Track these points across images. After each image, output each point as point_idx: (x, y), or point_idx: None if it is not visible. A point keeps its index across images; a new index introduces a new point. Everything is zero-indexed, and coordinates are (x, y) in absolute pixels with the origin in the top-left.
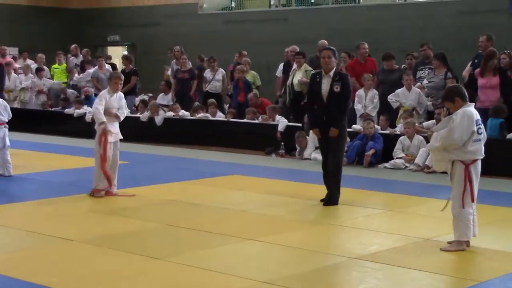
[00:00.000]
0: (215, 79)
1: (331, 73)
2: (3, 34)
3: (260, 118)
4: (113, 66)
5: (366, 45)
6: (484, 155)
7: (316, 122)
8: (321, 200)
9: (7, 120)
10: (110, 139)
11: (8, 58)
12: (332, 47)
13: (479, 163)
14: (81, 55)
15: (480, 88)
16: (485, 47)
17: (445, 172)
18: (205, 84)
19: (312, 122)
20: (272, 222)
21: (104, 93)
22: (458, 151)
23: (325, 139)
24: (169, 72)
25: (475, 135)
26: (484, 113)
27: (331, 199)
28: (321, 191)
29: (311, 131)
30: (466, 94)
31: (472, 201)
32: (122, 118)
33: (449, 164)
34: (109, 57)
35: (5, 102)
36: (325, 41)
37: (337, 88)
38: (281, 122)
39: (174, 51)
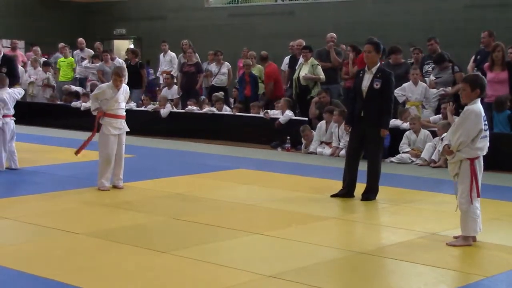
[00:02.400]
0: (220, 72)
1: (374, 69)
2: (11, 27)
3: (265, 113)
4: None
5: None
6: (487, 151)
7: (351, 119)
8: (332, 196)
9: (13, 112)
10: (114, 132)
11: (19, 52)
12: (375, 41)
13: (481, 158)
14: (87, 49)
15: (488, 82)
16: (487, 42)
17: None
18: (211, 77)
19: (348, 118)
20: (278, 216)
21: (105, 87)
22: (467, 149)
23: (359, 135)
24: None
25: (483, 132)
26: (491, 108)
27: (369, 196)
28: (327, 185)
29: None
30: (485, 90)
31: (478, 196)
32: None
33: (456, 164)
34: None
35: (13, 93)
36: (334, 34)
37: (377, 85)
38: (285, 115)
39: (182, 44)
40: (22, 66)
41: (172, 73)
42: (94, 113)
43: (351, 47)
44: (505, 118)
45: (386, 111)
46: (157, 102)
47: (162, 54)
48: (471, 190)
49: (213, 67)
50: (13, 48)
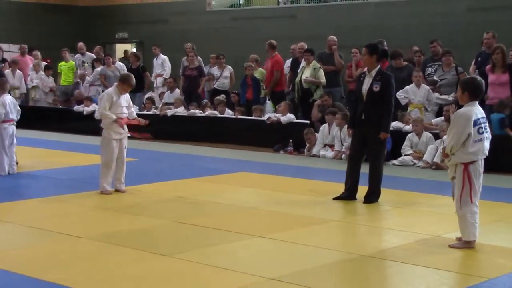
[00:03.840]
0: (222, 76)
1: (373, 72)
2: (13, 31)
3: (268, 118)
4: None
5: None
6: (487, 154)
7: (353, 122)
8: (334, 198)
9: (15, 118)
10: (115, 136)
11: (28, 56)
12: (372, 43)
13: (480, 162)
14: (88, 53)
15: (490, 84)
16: (490, 43)
17: None
18: (213, 81)
19: (350, 121)
20: (280, 219)
21: (110, 92)
22: (459, 153)
23: (361, 138)
24: None
25: (476, 136)
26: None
27: (371, 199)
28: (329, 187)
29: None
30: (480, 92)
31: (471, 201)
32: (135, 114)
33: (453, 167)
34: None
35: (14, 100)
36: (334, 37)
37: (376, 88)
38: (287, 116)
39: (185, 47)
40: (32, 70)
41: (163, 76)
42: (111, 120)
43: (359, 51)
44: (497, 120)
45: (386, 114)
46: (160, 106)
47: (155, 57)
48: (462, 194)
49: (215, 71)
50: (22, 52)
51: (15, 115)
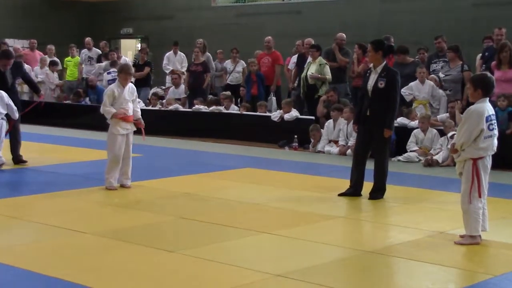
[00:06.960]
0: (235, 70)
1: (379, 68)
2: (18, 27)
3: (277, 113)
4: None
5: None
6: (495, 150)
7: (359, 118)
8: (339, 195)
9: (5, 113)
10: (122, 131)
11: (37, 51)
12: (378, 39)
13: (488, 158)
14: (94, 48)
15: (496, 81)
16: (501, 41)
17: None
18: (226, 75)
19: (355, 117)
20: (286, 216)
21: (112, 86)
22: (470, 148)
23: (366, 134)
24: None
25: (486, 132)
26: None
27: (376, 195)
28: (334, 184)
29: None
30: (492, 89)
31: (480, 196)
32: (139, 113)
33: (461, 163)
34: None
35: (6, 94)
36: (343, 34)
37: (381, 84)
38: (290, 114)
39: (196, 43)
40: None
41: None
42: (110, 114)
43: (358, 46)
44: (505, 115)
45: (391, 111)
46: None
47: (174, 54)
48: (471, 190)
49: (228, 65)
50: (32, 47)
51: (4, 110)
